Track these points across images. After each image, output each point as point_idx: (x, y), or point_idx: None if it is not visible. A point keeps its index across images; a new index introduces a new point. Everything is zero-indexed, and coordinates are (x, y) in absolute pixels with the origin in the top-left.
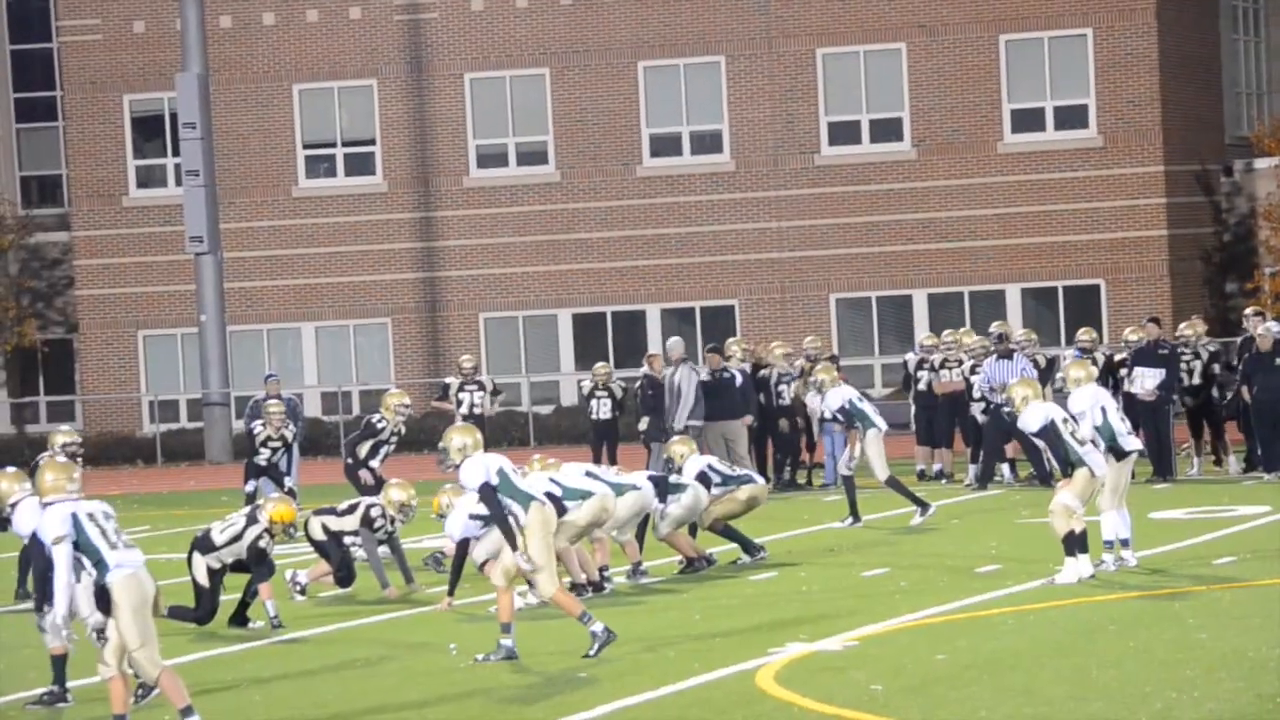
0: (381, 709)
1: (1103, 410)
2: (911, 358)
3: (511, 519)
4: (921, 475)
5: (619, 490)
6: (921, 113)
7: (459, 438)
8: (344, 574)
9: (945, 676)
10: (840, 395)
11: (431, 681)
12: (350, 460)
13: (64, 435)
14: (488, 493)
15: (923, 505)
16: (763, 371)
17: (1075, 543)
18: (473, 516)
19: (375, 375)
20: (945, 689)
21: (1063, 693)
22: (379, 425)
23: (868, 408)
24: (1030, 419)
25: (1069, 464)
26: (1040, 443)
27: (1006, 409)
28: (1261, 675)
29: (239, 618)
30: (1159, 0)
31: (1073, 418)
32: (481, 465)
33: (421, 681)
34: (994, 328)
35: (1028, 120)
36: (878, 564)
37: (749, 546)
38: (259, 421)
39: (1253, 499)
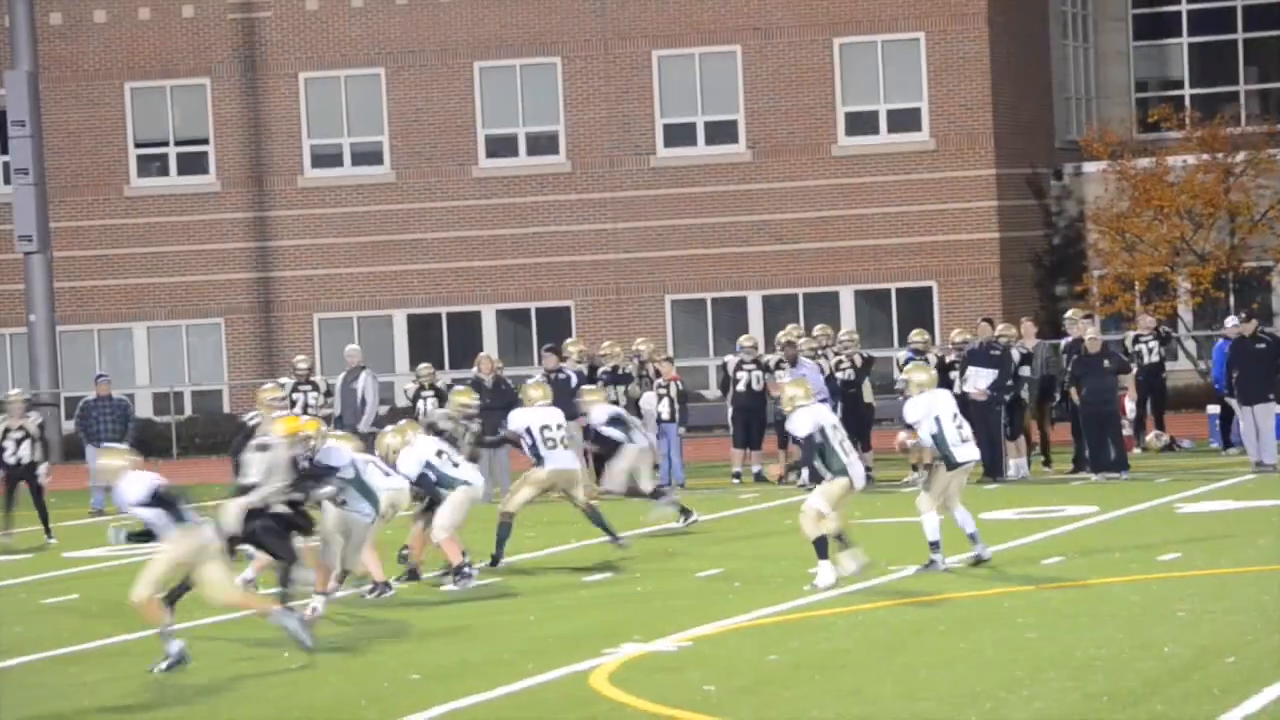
0: (192, 714)
1: (937, 420)
2: (731, 359)
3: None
4: (737, 477)
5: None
6: (756, 115)
7: (392, 439)
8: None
9: (777, 677)
10: (604, 411)
11: (255, 685)
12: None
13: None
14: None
15: (686, 514)
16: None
17: (826, 546)
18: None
19: (208, 376)
20: (777, 689)
21: (892, 692)
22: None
23: (635, 421)
24: (798, 423)
25: (830, 470)
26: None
27: (777, 408)
28: (1089, 674)
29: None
30: (990, 5)
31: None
32: (416, 457)
33: (245, 685)
34: (781, 336)
35: (861, 123)
36: (711, 565)
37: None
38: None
39: (1081, 499)
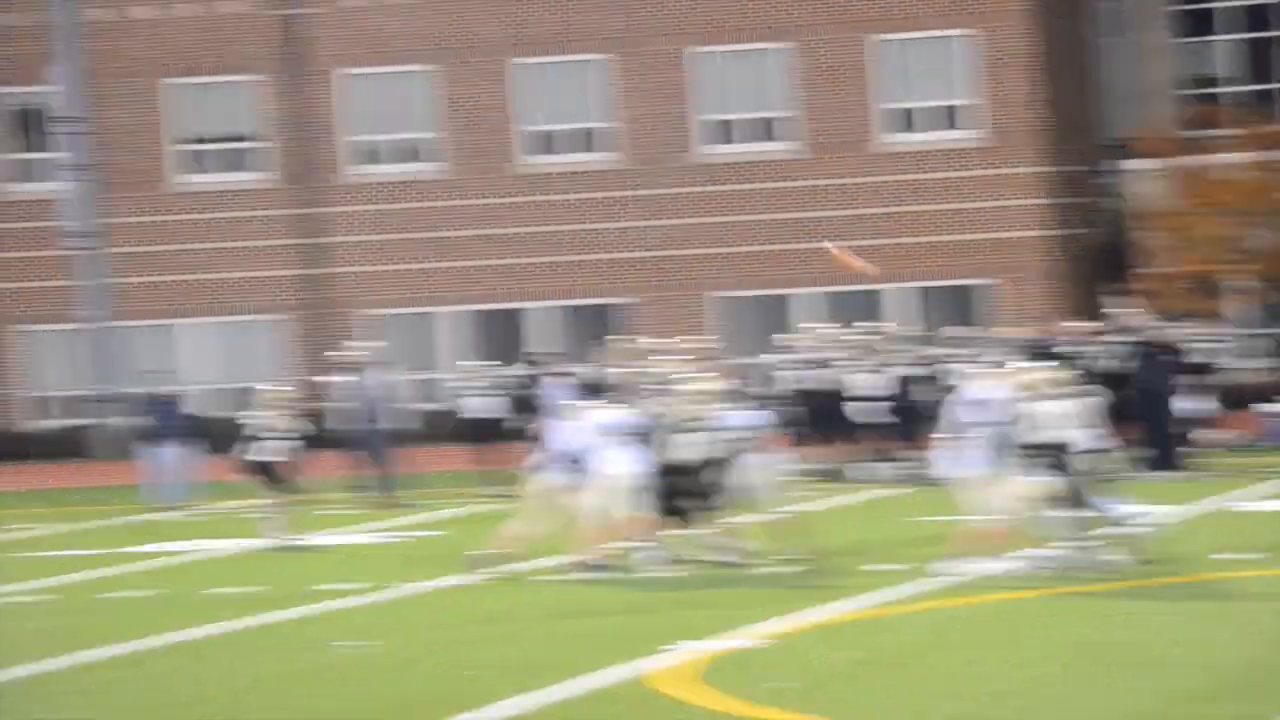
0: (266, 706)
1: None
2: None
3: None
4: None
5: None
6: (805, 112)
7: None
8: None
9: (845, 673)
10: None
11: (315, 682)
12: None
13: None
14: None
15: None
16: None
17: None
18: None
19: (258, 373)
20: (845, 686)
21: (987, 690)
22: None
23: None
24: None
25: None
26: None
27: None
28: (1171, 671)
29: None
30: (1035, 2)
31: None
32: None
33: (306, 682)
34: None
35: (908, 120)
36: (773, 563)
37: None
38: None
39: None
